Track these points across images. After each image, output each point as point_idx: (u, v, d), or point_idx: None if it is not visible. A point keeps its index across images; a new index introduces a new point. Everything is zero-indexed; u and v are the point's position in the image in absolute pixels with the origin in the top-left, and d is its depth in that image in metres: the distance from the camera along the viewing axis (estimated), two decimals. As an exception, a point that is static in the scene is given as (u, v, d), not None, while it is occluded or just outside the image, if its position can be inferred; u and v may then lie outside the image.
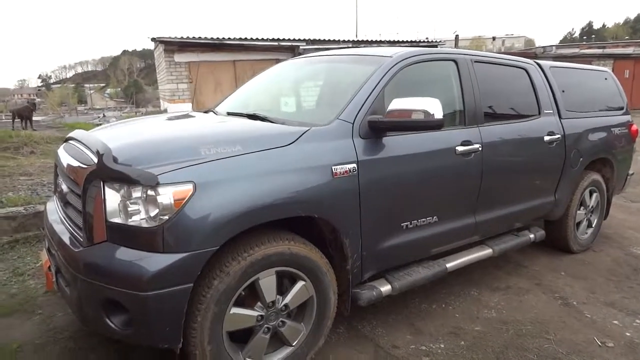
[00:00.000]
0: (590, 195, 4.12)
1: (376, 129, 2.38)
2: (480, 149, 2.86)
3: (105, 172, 1.90)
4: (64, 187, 2.28)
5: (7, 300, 3.06)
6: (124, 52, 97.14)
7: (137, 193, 1.85)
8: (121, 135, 2.38)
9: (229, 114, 2.93)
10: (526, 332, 2.80)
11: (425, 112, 2.26)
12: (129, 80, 73.13)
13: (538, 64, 3.66)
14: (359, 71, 2.63)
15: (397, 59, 2.63)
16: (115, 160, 1.91)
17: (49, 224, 2.41)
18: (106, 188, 1.90)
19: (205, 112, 3.32)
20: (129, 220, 1.86)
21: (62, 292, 2.12)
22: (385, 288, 2.59)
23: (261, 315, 2.12)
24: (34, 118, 19.04)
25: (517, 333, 2.78)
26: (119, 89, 71.67)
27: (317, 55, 3.28)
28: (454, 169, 2.79)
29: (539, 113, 3.47)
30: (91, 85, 77.25)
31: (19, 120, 17.99)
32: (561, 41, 76.11)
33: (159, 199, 1.80)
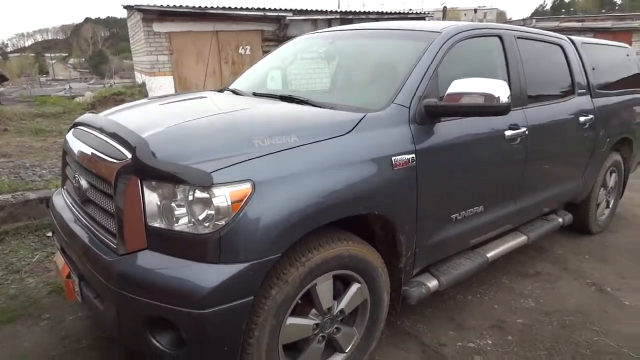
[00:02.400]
0: (611, 175, 4.05)
1: (432, 114, 2.15)
2: (526, 133, 2.68)
3: (144, 169, 1.61)
4: (83, 182, 1.96)
5: (7, 303, 2.74)
6: (87, 19, 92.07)
7: (184, 194, 1.58)
8: (146, 121, 2.05)
9: (255, 94, 2.63)
10: (570, 323, 2.71)
11: (489, 96, 2.04)
12: (94, 50, 69.65)
13: (571, 40, 3.48)
14: (408, 48, 2.38)
15: (447, 35, 2.38)
16: (153, 154, 1.62)
17: (61, 221, 2.11)
18: (145, 187, 1.61)
19: (220, 91, 2.99)
20: (176, 225, 1.59)
21: (90, 304, 1.84)
22: (433, 284, 2.43)
23: (317, 324, 1.91)
24: (-4, 90, 17.79)
25: (561, 325, 2.69)
26: (83, 59, 68.20)
27: (350, 28, 2.98)
28: (502, 154, 2.61)
29: (574, 92, 3.31)
30: (52, 54, 73.14)
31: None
32: (533, 14, 76.49)
33: (215, 201, 1.54)
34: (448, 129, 2.26)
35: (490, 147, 2.51)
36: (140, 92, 11.71)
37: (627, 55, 4.20)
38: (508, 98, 2.05)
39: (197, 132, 1.83)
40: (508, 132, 2.57)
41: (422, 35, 2.44)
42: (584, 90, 3.40)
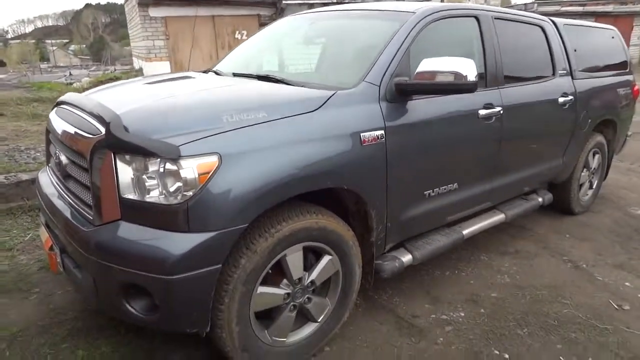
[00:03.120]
0: (594, 156, 4.10)
1: (403, 92, 2.21)
2: (500, 112, 2.74)
3: (117, 143, 1.68)
4: (63, 158, 2.04)
5: (-2, 278, 2.84)
6: (87, 5, 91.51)
7: (155, 166, 1.65)
8: (124, 99, 2.13)
9: (235, 75, 2.69)
10: (542, 297, 2.79)
11: (457, 74, 2.10)
12: (94, 37, 69.36)
13: (553, 22, 3.50)
14: (381, 28, 2.42)
15: (421, 15, 2.43)
16: (126, 129, 1.70)
17: (45, 197, 2.19)
18: (118, 161, 1.69)
19: (204, 72, 3.05)
20: (147, 196, 1.67)
21: (70, 274, 1.93)
22: (407, 258, 2.51)
23: (288, 293, 2.00)
24: (-4, 77, 17.81)
25: (534, 298, 2.77)
26: (84, 45, 67.97)
27: (328, 10, 3.02)
28: (476, 133, 2.67)
29: (554, 74, 3.36)
30: (53, 41, 72.77)
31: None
32: (537, -3, 75.37)
33: (182, 173, 1.62)
34: (420, 107, 2.32)
35: (463, 125, 2.56)
36: (136, 77, 11.72)
37: (612, 37, 4.22)
38: (475, 77, 2.11)
39: (170, 108, 1.91)
40: (482, 111, 2.63)
41: (396, 15, 2.49)
42: (565, 72, 3.44)
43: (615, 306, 2.70)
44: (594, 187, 4.27)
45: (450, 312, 2.63)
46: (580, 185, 4.05)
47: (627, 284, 2.96)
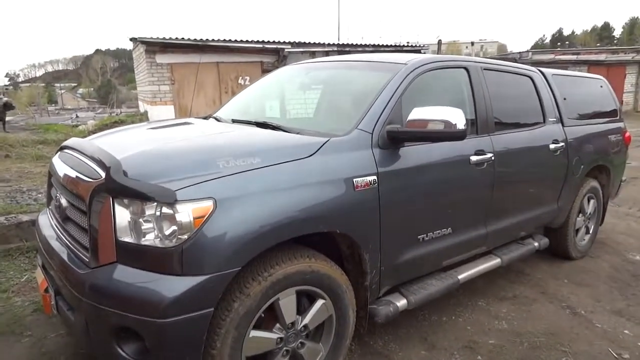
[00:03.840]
0: (588, 201, 4.14)
1: (395, 140, 2.29)
2: (492, 158, 2.81)
3: (115, 187, 1.74)
4: (63, 201, 2.10)
5: (-9, 321, 2.83)
6: (97, 51, 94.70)
7: (151, 210, 1.70)
8: (125, 145, 2.21)
9: (234, 121, 2.79)
10: (540, 344, 2.75)
11: (447, 122, 2.19)
12: (102, 80, 71.35)
13: (541, 72, 3.65)
14: (374, 78, 2.54)
15: (412, 66, 2.55)
16: (125, 174, 1.76)
17: (43, 239, 2.22)
18: (116, 205, 1.74)
19: (205, 118, 3.16)
20: (142, 239, 1.71)
21: (64, 316, 1.94)
22: (402, 303, 2.50)
23: (280, 338, 1.99)
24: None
25: (531, 345, 2.74)
26: (92, 88, 69.80)
27: (325, 60, 3.17)
28: (468, 178, 2.73)
29: (544, 121, 3.46)
30: (62, 84, 74.84)
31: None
32: (533, 47, 77.97)
33: (178, 217, 1.66)
34: (412, 154, 2.39)
35: (455, 171, 2.63)
36: (141, 120, 12.01)
37: (601, 86, 4.37)
38: (464, 125, 2.19)
39: (168, 154, 1.97)
40: (474, 157, 2.70)
41: (388, 66, 2.61)
42: (555, 119, 3.54)
43: (615, 355, 2.66)
44: (590, 232, 4.28)
45: (446, 359, 2.59)
46: (577, 231, 4.06)
47: (626, 331, 2.92)
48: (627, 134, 4.47)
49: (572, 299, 3.38)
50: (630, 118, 15.01)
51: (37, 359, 2.44)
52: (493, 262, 3.16)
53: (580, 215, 4.06)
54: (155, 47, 11.43)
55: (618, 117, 4.44)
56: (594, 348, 2.72)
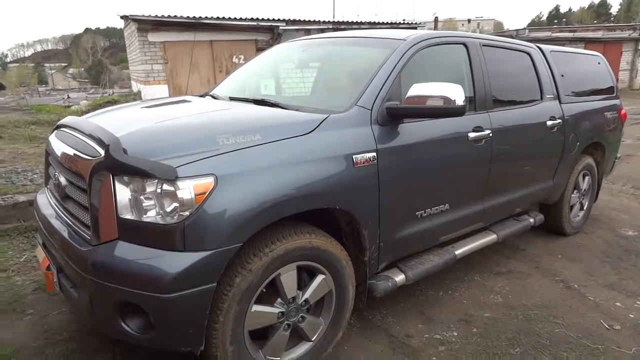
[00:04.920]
0: (584, 178, 4.18)
1: (394, 116, 2.28)
2: (490, 135, 2.82)
3: (115, 164, 1.73)
4: (62, 179, 2.09)
5: (-7, 299, 2.85)
6: (87, 30, 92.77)
7: (152, 187, 1.70)
8: (123, 122, 2.20)
9: (232, 99, 2.77)
10: (534, 316, 2.82)
11: (446, 99, 2.18)
12: (93, 60, 70.09)
13: (540, 48, 3.63)
14: (373, 55, 2.52)
15: (411, 42, 2.53)
16: (125, 151, 1.75)
17: (43, 218, 2.23)
18: (116, 182, 1.74)
19: (201, 96, 3.14)
20: (144, 216, 1.72)
21: (67, 293, 1.96)
22: (400, 278, 2.55)
23: (282, 312, 2.03)
24: (-6, 100, 17.92)
25: (526, 318, 2.80)
26: (82, 69, 68.62)
27: (323, 37, 3.13)
28: (466, 155, 2.74)
29: (541, 98, 3.46)
30: (52, 64, 73.47)
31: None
32: (529, 24, 77.18)
33: (179, 193, 1.67)
34: (411, 130, 2.39)
35: (453, 147, 2.64)
36: (134, 100, 11.88)
37: (599, 63, 4.36)
38: (463, 101, 2.19)
39: (168, 131, 1.97)
40: (472, 134, 2.71)
41: (387, 42, 2.59)
42: (552, 96, 3.54)
43: (607, 326, 2.73)
44: (584, 208, 4.33)
45: (443, 331, 2.65)
46: (571, 207, 4.11)
47: (617, 304, 3.00)
48: (622, 112, 4.48)
49: (566, 273, 3.45)
50: (626, 96, 15.06)
51: (40, 336, 2.47)
52: (489, 238, 3.20)
53: (575, 191, 4.10)
54: (148, 25, 11.21)
55: (614, 94, 4.45)
56: (586, 320, 2.79)
